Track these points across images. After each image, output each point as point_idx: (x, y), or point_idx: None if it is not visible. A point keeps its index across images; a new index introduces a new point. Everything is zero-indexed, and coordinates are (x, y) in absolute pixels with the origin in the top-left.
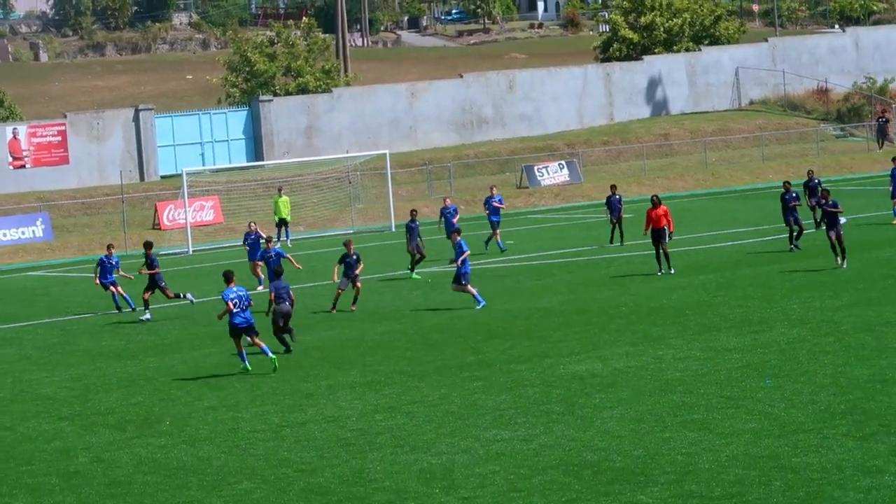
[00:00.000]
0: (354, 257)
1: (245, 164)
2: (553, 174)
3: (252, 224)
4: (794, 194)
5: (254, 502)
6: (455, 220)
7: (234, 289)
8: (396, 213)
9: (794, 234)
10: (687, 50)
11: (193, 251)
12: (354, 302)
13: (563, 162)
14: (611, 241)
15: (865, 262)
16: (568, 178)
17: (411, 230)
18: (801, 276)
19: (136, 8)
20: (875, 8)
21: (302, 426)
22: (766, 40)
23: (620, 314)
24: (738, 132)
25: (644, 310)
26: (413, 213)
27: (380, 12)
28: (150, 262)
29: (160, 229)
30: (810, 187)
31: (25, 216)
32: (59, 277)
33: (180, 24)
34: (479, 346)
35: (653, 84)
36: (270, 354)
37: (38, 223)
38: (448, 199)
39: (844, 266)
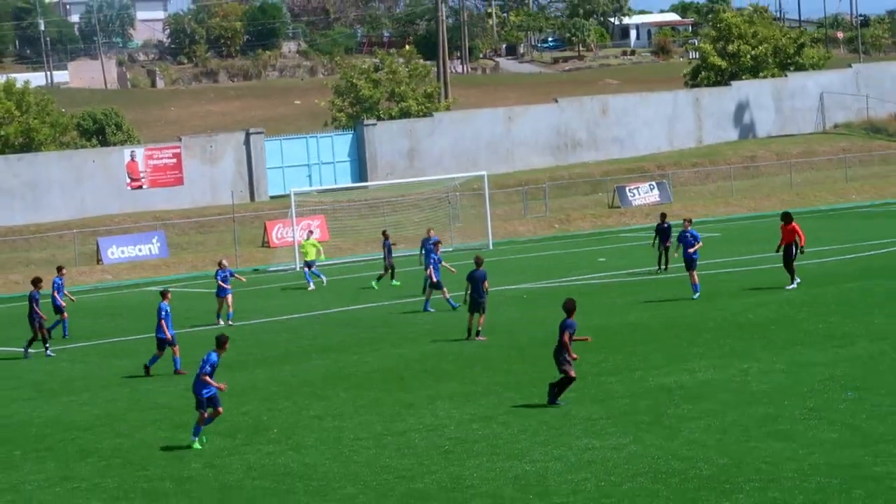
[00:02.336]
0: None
1: (350, 184)
2: (644, 194)
3: (223, 261)
4: None
5: None
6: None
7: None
8: (494, 231)
9: None
10: (773, 76)
11: (300, 268)
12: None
13: (653, 183)
14: (657, 267)
15: None
16: (658, 199)
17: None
18: (882, 293)
19: (247, 37)
20: None
21: (403, 434)
22: (850, 66)
23: (707, 329)
24: (823, 154)
25: (730, 325)
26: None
27: (479, 40)
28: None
29: (269, 247)
30: None
31: (142, 234)
32: (173, 293)
33: (289, 51)
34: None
35: (740, 108)
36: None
37: (154, 241)
38: (431, 231)
39: None
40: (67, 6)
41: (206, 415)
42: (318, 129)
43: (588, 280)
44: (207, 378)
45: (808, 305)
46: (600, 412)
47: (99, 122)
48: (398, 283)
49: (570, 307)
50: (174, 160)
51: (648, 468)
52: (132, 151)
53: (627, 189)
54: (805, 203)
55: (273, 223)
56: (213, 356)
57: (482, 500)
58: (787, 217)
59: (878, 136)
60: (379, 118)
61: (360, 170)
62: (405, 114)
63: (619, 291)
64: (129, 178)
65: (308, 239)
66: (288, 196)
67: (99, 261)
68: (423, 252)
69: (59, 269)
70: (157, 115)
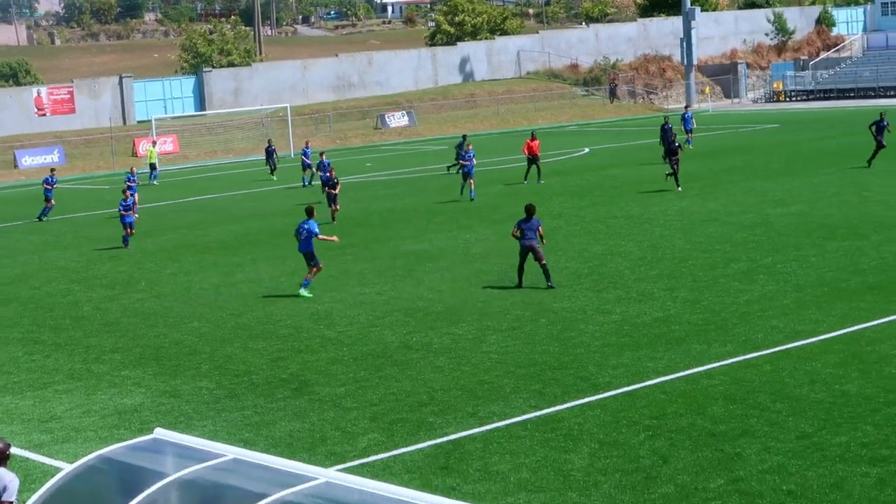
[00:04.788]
0: (336, 180)
1: (194, 113)
2: (398, 120)
3: (133, 168)
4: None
5: (201, 335)
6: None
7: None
8: (294, 146)
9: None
10: (486, 38)
11: (160, 171)
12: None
13: (404, 112)
14: (526, 179)
15: (599, 177)
16: (407, 122)
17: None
18: (559, 187)
19: (119, 8)
20: (608, 11)
21: (233, 286)
22: (538, 32)
23: (442, 212)
24: (519, 92)
25: (461, 208)
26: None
27: (283, 12)
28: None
29: (136, 156)
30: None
31: (46, 148)
32: (68, 189)
33: (150, 19)
34: (350, 232)
35: (464, 61)
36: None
37: (55, 152)
38: (323, 155)
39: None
40: None
41: (312, 273)
42: (171, 74)
43: (358, 179)
44: (322, 236)
45: (511, 195)
46: (369, 268)
47: (13, 69)
48: (276, 178)
49: (531, 210)
50: (69, 96)
51: (402, 307)
52: (38, 90)
53: (386, 116)
54: (507, 126)
55: (139, 139)
56: (311, 223)
57: (288, 329)
58: (534, 135)
59: (556, 80)
60: (213, 67)
61: (201, 103)
62: (231, 64)
63: (382, 187)
64: (37, 108)
65: (152, 148)
66: (150, 121)
67: (16, 166)
68: (318, 169)
69: (52, 170)
70: (55, 65)
